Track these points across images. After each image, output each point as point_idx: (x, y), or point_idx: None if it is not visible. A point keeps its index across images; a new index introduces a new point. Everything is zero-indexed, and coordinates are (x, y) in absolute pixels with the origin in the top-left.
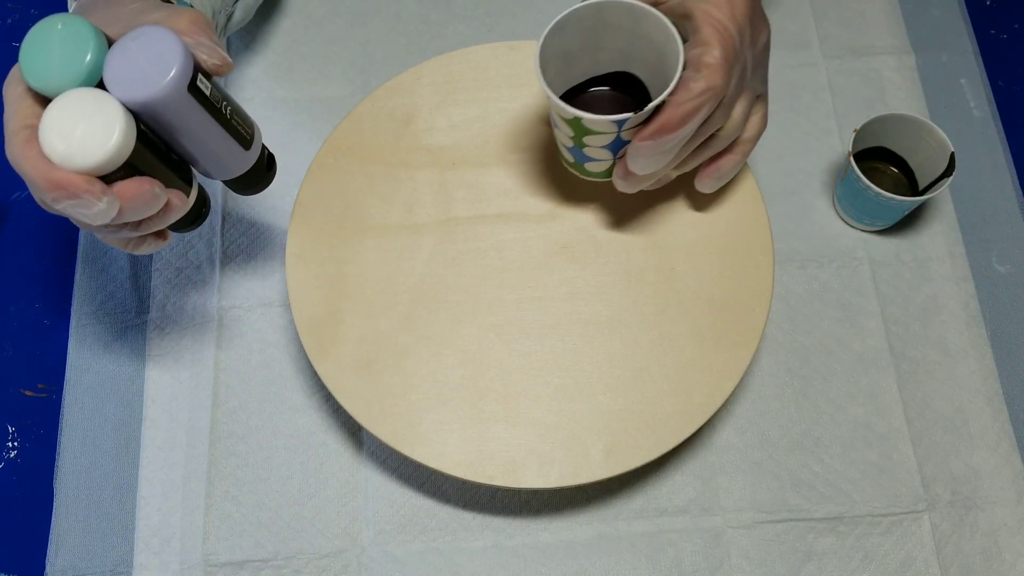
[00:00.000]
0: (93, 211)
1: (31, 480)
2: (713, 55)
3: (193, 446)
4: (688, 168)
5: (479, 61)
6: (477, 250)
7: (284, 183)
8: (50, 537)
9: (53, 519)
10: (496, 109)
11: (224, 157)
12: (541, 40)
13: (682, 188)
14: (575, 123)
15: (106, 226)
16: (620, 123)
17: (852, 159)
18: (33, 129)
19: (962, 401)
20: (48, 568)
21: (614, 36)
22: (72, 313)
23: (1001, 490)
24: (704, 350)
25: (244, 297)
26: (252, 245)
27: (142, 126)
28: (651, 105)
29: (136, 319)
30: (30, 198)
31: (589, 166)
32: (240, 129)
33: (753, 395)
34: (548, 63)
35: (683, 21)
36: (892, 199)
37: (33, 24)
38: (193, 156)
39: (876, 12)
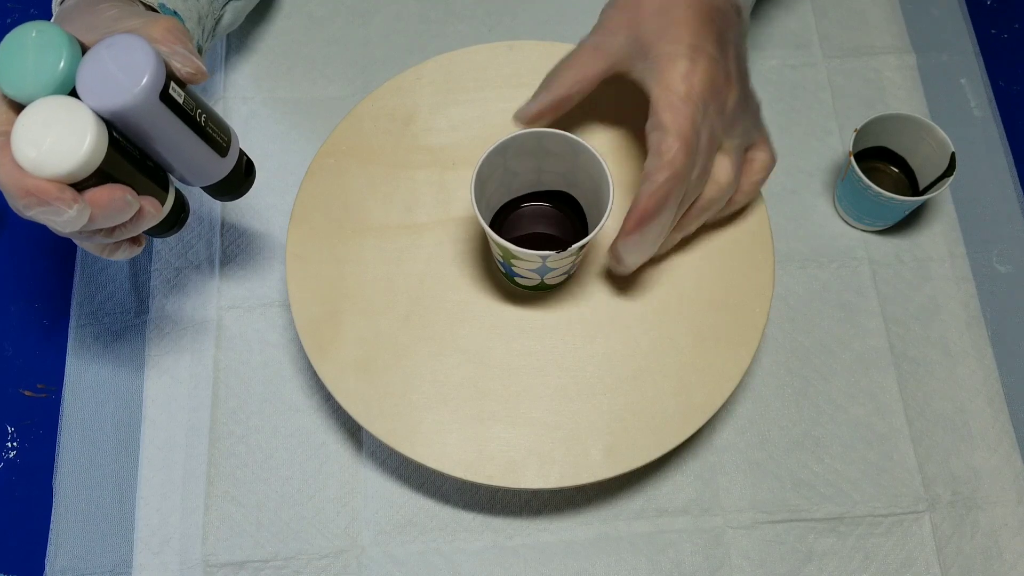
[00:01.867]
0: (63, 218)
1: (30, 480)
2: (669, 141)
3: (193, 446)
4: (691, 231)
5: (479, 61)
6: (477, 250)
7: (284, 183)
8: (49, 537)
9: (52, 519)
10: (496, 109)
11: (200, 164)
12: (479, 162)
13: None
14: (504, 247)
15: (79, 232)
16: (545, 256)
17: (852, 159)
18: (6, 136)
19: (963, 401)
20: (47, 568)
21: (556, 162)
22: (72, 313)
23: (1002, 490)
24: (704, 350)
25: (244, 297)
26: (252, 245)
27: (115, 133)
28: (575, 246)
29: (135, 319)
30: None
31: (518, 280)
32: (216, 136)
33: (753, 395)
34: (490, 176)
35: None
36: (892, 199)
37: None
38: (168, 163)
39: (876, 12)
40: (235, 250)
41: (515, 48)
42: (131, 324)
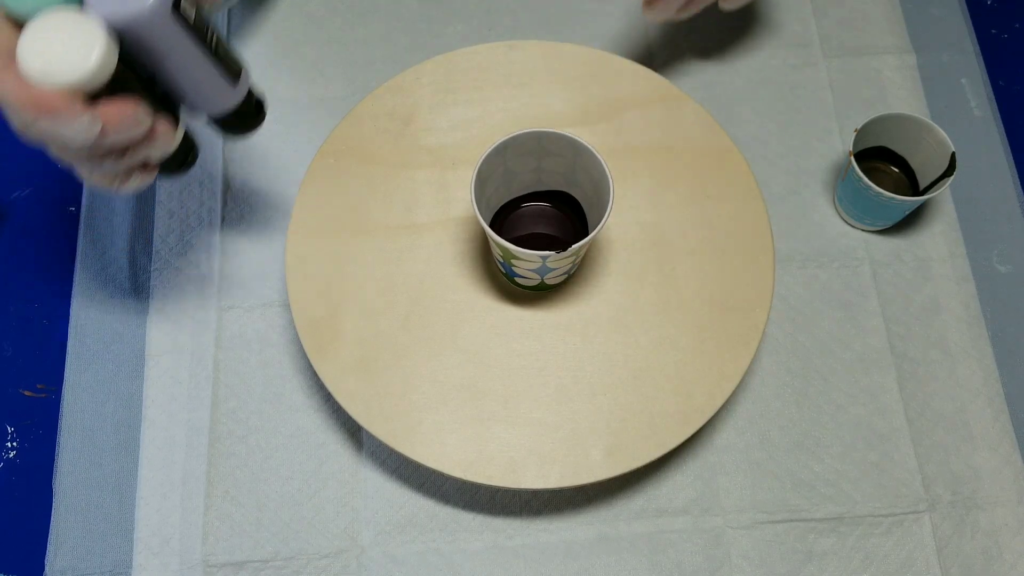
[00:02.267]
0: (74, 128)
1: (30, 480)
2: None
3: (192, 446)
4: None
5: (479, 61)
6: (477, 250)
7: (284, 183)
8: (49, 537)
9: (52, 519)
10: (496, 109)
11: (210, 89)
12: (479, 162)
13: (682, 187)
14: (504, 247)
15: (88, 157)
16: (545, 256)
17: (853, 159)
18: (10, 53)
19: (963, 401)
20: (47, 568)
21: (556, 162)
22: (71, 313)
23: (1002, 490)
24: (704, 350)
25: (244, 297)
26: (252, 245)
27: (124, 52)
28: (575, 246)
29: (135, 319)
30: (30, 197)
31: (519, 280)
32: (227, 61)
33: (753, 395)
34: (490, 176)
35: None
36: (893, 199)
37: None
38: (179, 86)
39: (877, 11)
40: (235, 250)
41: (515, 48)
42: (131, 324)
